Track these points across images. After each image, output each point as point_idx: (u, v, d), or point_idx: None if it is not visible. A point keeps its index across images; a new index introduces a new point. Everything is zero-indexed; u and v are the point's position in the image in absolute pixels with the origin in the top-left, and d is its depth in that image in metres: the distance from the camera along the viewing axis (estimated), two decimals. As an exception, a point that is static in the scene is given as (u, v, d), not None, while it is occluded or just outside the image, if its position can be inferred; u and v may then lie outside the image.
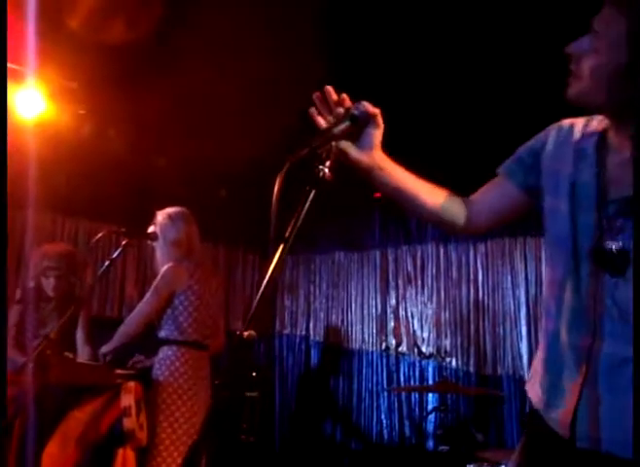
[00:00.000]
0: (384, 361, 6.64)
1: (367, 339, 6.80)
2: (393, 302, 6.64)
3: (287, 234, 1.53)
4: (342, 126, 1.71)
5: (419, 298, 6.44)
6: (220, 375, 1.44)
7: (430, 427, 6.12)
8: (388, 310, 6.68)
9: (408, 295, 6.53)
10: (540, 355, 1.71)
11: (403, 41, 4.24)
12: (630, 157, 1.52)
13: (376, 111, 1.75)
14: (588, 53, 1.55)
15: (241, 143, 5.11)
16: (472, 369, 5.91)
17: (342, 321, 7.04)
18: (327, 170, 1.60)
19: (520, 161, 1.82)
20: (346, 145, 1.77)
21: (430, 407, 6.14)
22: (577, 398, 1.54)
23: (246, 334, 1.44)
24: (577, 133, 1.70)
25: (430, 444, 6.09)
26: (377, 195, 6.39)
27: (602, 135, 1.64)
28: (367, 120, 1.75)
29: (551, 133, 1.77)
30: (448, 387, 4.64)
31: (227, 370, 1.45)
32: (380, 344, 6.68)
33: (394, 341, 6.59)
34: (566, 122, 1.76)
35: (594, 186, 1.58)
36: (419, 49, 4.27)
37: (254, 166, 5.46)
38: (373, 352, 6.73)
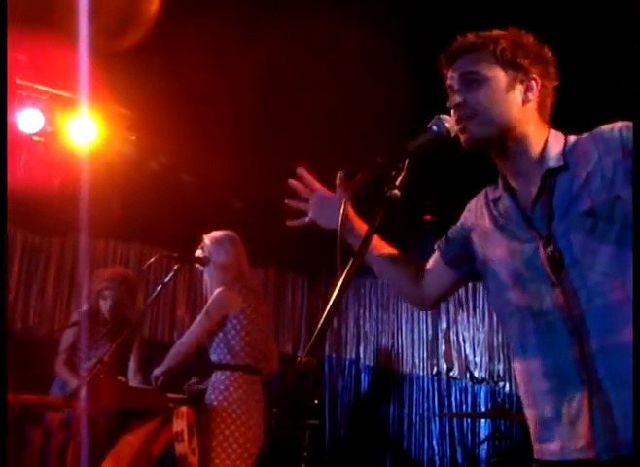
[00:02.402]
0: (435, 386, 6.54)
1: (417, 363, 6.71)
2: (444, 325, 6.55)
3: (354, 256, 1.47)
4: (418, 143, 1.65)
5: (471, 321, 6.34)
6: (279, 402, 1.41)
7: (483, 454, 5.99)
8: (439, 334, 6.58)
9: (459, 318, 6.43)
10: (531, 401, 1.67)
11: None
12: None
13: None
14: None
15: (291, 168, 5.12)
16: (526, 393, 5.78)
17: (393, 345, 6.96)
18: (396, 190, 1.55)
19: (447, 237, 1.98)
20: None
21: (483, 433, 6.01)
22: (589, 411, 1.52)
23: (305, 360, 1.40)
24: (487, 194, 1.87)
25: (483, 470, 5.97)
26: (427, 217, 6.33)
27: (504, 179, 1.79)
28: (447, 135, 1.70)
29: (471, 203, 1.93)
30: (503, 413, 4.54)
31: (286, 397, 1.41)
32: (431, 369, 6.59)
33: (445, 366, 6.49)
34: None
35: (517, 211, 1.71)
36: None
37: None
38: (423, 377, 6.64)
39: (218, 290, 3.99)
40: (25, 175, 5.77)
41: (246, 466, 3.80)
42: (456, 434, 6.24)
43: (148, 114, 5.57)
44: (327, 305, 1.39)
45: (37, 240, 6.00)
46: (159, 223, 6.23)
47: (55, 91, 5.44)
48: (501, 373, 6.02)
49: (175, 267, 3.83)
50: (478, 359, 6.24)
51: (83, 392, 3.32)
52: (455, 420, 6.29)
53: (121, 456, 3.44)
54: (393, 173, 1.58)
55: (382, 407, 6.89)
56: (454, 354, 6.43)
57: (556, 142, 1.72)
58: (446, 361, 6.48)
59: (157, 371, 3.91)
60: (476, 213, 1.89)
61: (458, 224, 1.97)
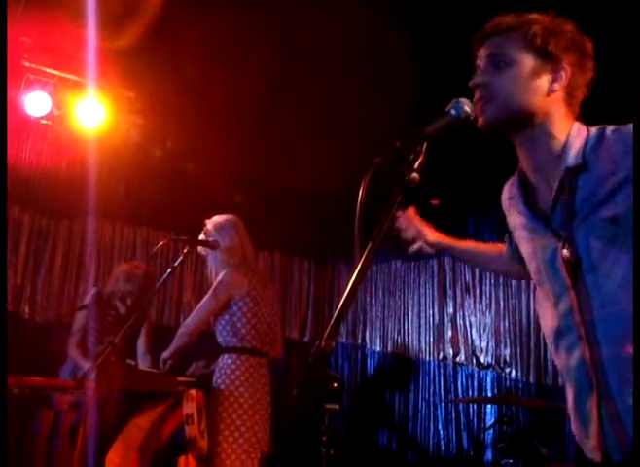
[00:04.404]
0: (441, 371, 6.54)
1: (424, 348, 6.71)
2: (451, 311, 6.54)
3: (373, 240, 1.47)
4: (436, 126, 1.62)
5: (477, 307, 6.33)
6: (298, 385, 1.41)
7: (489, 439, 6.00)
8: (446, 319, 6.58)
9: (466, 304, 6.42)
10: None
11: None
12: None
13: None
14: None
15: (301, 153, 5.12)
16: (532, 379, 5.78)
17: (399, 330, 6.96)
18: (415, 174, 1.54)
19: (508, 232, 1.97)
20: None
21: (489, 418, 6.02)
22: (598, 416, 1.55)
23: (324, 344, 1.40)
24: (507, 190, 1.87)
25: (488, 456, 5.97)
26: (435, 201, 6.32)
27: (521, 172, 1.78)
28: (465, 119, 1.65)
29: (501, 197, 1.91)
30: (510, 399, 4.53)
31: (304, 380, 1.41)
32: (438, 354, 6.59)
33: (451, 351, 6.48)
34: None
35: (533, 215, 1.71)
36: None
37: (310, 177, 5.48)
38: (430, 362, 6.63)
39: (224, 271, 4.00)
40: (33, 158, 5.77)
41: (253, 449, 3.81)
42: (462, 419, 6.24)
43: (155, 98, 5.57)
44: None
45: (44, 223, 5.99)
46: (166, 207, 6.23)
47: (63, 75, 5.43)
48: (507, 358, 6.01)
49: (185, 250, 3.82)
50: (484, 344, 6.24)
51: (93, 375, 3.32)
52: (461, 405, 6.29)
53: (131, 439, 3.46)
54: (412, 157, 1.56)
55: (388, 392, 6.90)
56: (461, 339, 6.42)
57: (578, 136, 1.67)
58: (453, 346, 6.47)
59: (165, 354, 3.93)
60: (505, 208, 1.89)
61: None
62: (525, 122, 1.67)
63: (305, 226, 6.85)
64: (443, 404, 6.45)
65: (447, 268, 6.65)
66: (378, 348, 7.14)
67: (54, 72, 5.40)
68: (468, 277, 6.45)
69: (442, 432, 6.39)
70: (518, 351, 5.94)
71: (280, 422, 1.42)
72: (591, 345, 1.56)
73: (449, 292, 6.59)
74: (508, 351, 6.03)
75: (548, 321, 1.70)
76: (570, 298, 1.60)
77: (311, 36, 4.26)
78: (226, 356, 3.94)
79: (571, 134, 1.67)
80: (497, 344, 6.13)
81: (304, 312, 7.50)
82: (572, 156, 1.63)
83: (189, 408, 3.52)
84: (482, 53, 1.73)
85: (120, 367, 3.54)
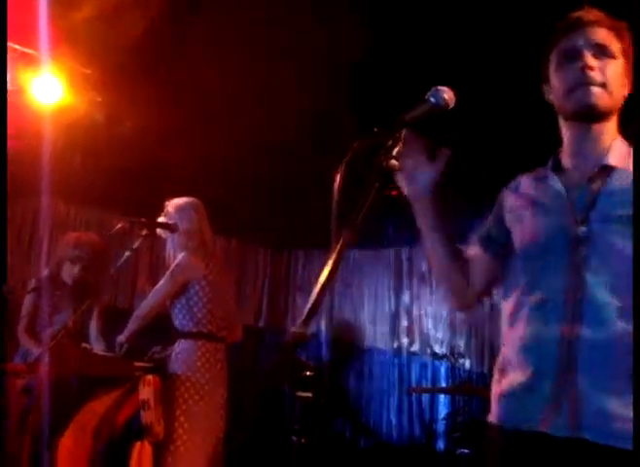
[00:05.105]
0: (396, 361, 6.59)
1: (379, 337, 6.74)
2: (406, 301, 6.58)
3: (349, 227, 1.43)
4: (415, 113, 1.61)
5: (433, 297, 6.38)
6: (268, 374, 1.38)
7: (440, 428, 6.06)
8: (401, 309, 6.61)
9: (421, 294, 6.47)
10: (508, 357, 1.72)
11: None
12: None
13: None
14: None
15: (257, 138, 5.07)
16: (485, 370, 5.85)
17: (355, 319, 6.98)
18: (394, 160, 1.51)
19: (488, 230, 1.92)
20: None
21: (442, 407, 6.08)
22: (557, 385, 1.56)
23: (298, 331, 1.37)
24: (529, 175, 1.86)
25: (440, 445, 6.03)
26: (394, 192, 6.32)
27: (556, 157, 1.80)
28: (445, 107, 1.63)
29: (507, 190, 1.90)
30: (466, 389, 4.59)
31: (276, 368, 1.38)
32: (392, 343, 6.63)
33: (406, 341, 6.52)
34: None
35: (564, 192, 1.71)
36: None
37: (267, 161, 5.43)
38: (384, 351, 6.67)
39: (182, 254, 3.97)
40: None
41: (209, 436, 3.79)
42: (414, 407, 6.30)
43: (112, 76, 5.44)
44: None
45: (-5, 203, 5.82)
46: (121, 188, 6.12)
47: (18, 47, 5.25)
48: (462, 349, 6.08)
49: (143, 232, 3.75)
50: (439, 335, 6.29)
51: (46, 358, 3.25)
52: (414, 395, 6.34)
53: (84, 424, 3.39)
54: (390, 143, 1.54)
55: (342, 380, 6.92)
56: (416, 329, 6.47)
57: (622, 143, 1.75)
58: (408, 336, 6.52)
59: (120, 337, 3.86)
60: (513, 189, 1.89)
61: (494, 215, 1.91)
62: (611, 115, 1.74)
63: (263, 213, 6.80)
64: (396, 393, 6.49)
65: (404, 257, 6.68)
66: (333, 337, 7.14)
67: (9, 45, 5.22)
68: (424, 267, 6.49)
69: (394, 420, 6.43)
70: (473, 342, 6.00)
71: (248, 410, 1.38)
72: (573, 324, 1.57)
73: (405, 282, 6.63)
74: (462, 342, 6.09)
75: (514, 297, 1.72)
76: (567, 275, 1.62)
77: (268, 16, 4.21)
78: (182, 341, 3.90)
79: (618, 138, 1.76)
80: (452, 335, 6.18)
81: (259, 298, 7.48)
82: (615, 156, 1.70)
83: (145, 393, 3.47)
84: (585, 36, 1.74)
85: (74, 350, 3.47)
